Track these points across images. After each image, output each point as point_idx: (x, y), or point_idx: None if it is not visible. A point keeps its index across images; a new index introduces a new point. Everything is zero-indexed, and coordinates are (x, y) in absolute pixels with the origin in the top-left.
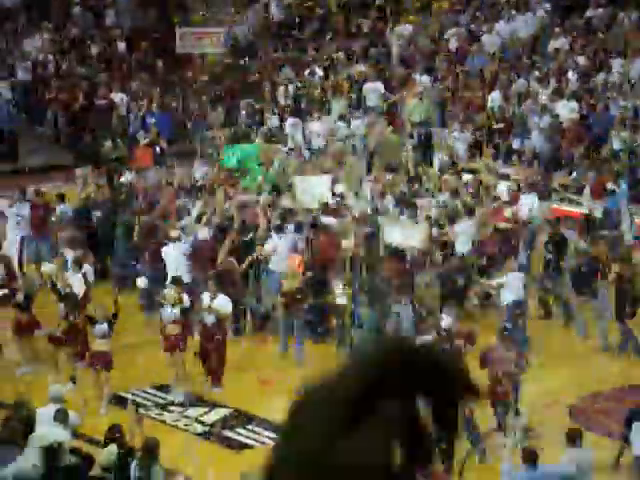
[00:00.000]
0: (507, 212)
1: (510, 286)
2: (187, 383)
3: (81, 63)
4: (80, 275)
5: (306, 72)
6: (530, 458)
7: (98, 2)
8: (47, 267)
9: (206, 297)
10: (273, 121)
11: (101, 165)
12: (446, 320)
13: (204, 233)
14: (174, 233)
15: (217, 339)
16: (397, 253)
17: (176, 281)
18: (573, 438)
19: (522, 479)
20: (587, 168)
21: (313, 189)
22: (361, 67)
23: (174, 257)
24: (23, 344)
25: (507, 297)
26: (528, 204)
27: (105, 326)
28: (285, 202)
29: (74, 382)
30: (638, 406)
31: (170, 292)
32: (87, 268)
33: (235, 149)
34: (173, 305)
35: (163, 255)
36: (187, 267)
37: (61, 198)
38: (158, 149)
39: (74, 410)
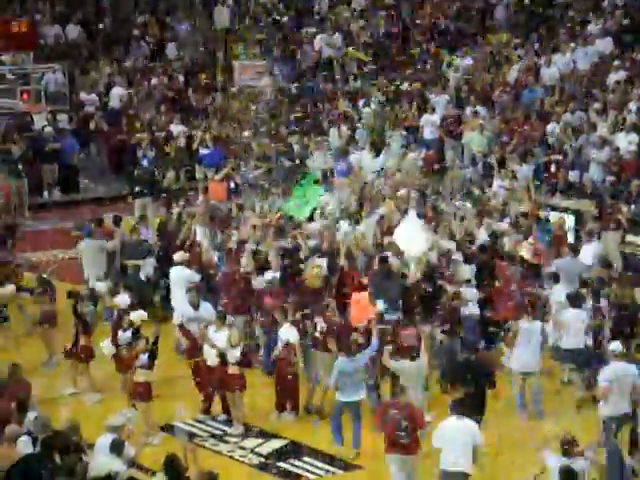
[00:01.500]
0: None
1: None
2: (242, 417)
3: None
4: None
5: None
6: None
7: (160, 35)
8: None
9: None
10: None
11: (161, 196)
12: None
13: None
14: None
15: (288, 370)
16: None
17: (222, 317)
18: None
19: None
20: None
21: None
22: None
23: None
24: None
25: None
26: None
27: (146, 357)
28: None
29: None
30: None
31: (233, 333)
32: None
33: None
34: (233, 346)
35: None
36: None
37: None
38: (232, 183)
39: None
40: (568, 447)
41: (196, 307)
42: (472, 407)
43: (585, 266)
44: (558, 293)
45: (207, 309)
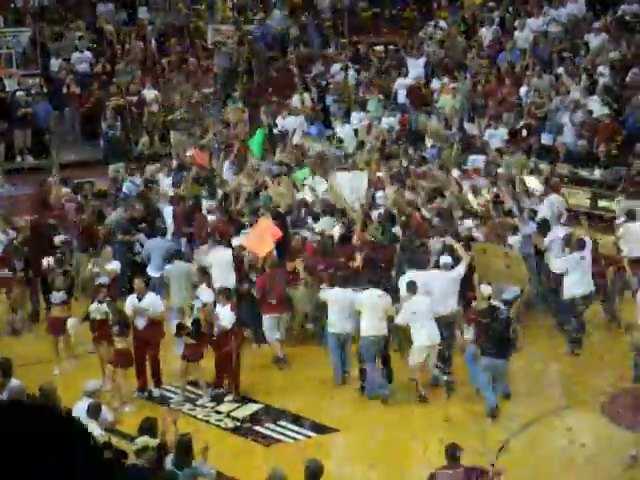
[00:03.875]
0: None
1: None
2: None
3: (113, 61)
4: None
5: (336, 68)
6: None
7: None
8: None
9: (132, 297)
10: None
11: (135, 161)
12: None
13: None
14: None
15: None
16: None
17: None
18: None
19: None
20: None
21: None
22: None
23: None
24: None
25: None
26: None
27: (118, 326)
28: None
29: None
30: None
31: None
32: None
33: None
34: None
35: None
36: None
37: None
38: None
39: (107, 406)
40: None
41: (141, 297)
42: None
43: None
44: None
45: (153, 302)
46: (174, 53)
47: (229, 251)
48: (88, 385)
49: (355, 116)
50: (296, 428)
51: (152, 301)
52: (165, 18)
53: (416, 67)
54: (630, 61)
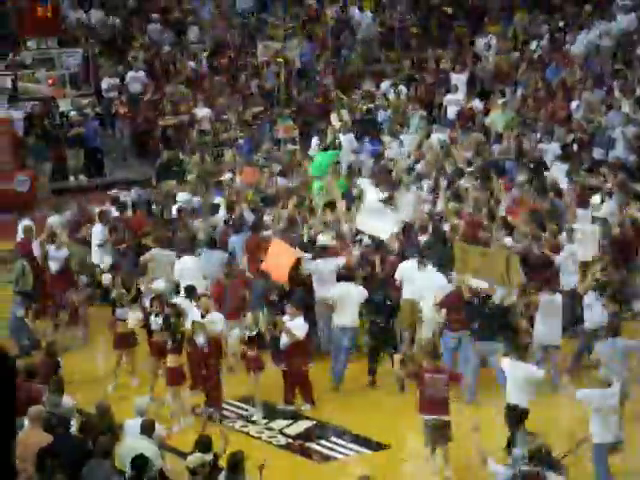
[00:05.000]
0: None
1: None
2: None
3: (165, 80)
4: None
5: (386, 85)
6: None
7: (180, 18)
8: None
9: (196, 312)
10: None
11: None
12: None
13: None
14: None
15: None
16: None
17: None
18: None
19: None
20: None
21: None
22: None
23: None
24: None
25: None
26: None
27: (171, 342)
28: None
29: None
30: None
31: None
32: None
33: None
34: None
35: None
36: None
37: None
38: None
39: (160, 423)
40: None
41: (205, 315)
42: None
43: None
44: None
45: (214, 321)
46: (224, 71)
47: None
48: (138, 402)
49: (405, 134)
50: (348, 444)
51: (214, 320)
52: (215, 37)
53: (461, 83)
54: None
